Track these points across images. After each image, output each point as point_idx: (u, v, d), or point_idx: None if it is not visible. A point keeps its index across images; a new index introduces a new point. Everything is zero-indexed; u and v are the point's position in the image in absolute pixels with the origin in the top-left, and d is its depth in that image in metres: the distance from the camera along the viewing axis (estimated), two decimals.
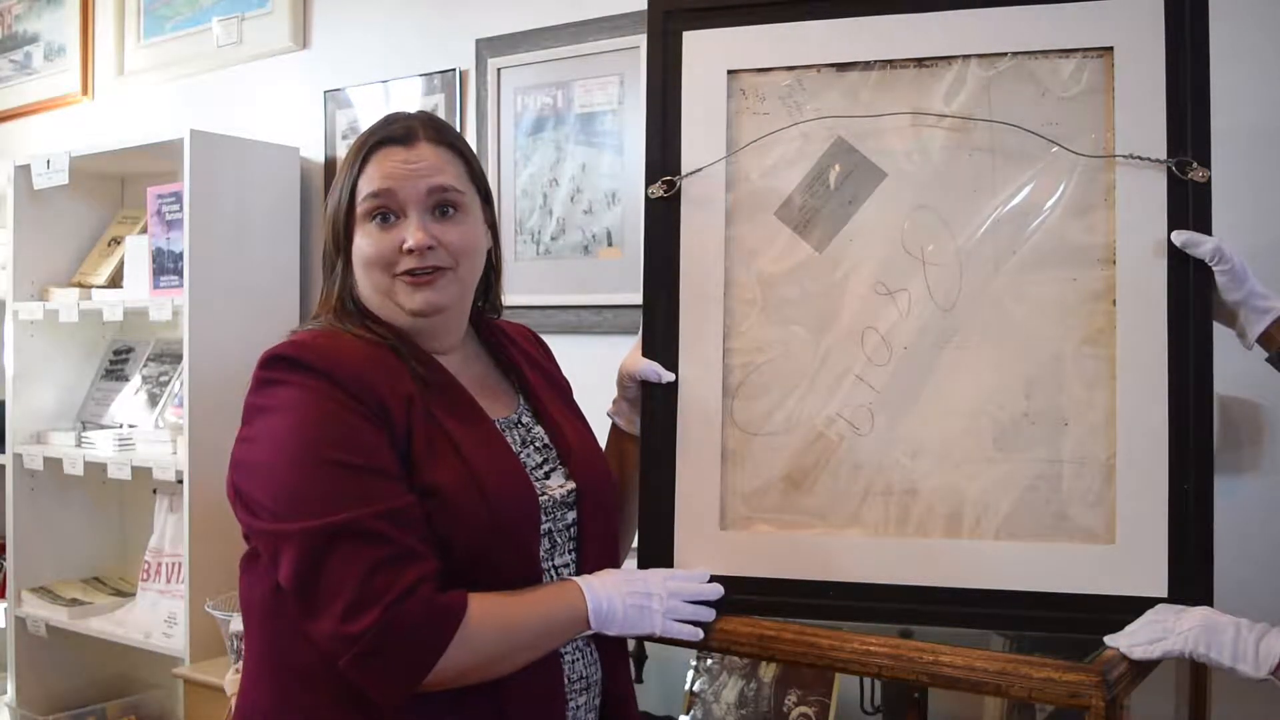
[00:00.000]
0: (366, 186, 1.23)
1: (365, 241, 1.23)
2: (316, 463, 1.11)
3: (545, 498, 1.24)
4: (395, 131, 1.25)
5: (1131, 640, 1.17)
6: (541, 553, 1.23)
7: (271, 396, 1.16)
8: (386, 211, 1.22)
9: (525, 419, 1.32)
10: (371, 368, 1.17)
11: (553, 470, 1.29)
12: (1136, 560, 1.23)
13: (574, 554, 1.27)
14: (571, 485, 1.28)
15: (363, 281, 1.25)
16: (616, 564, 1.34)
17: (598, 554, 1.29)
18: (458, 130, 1.86)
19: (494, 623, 1.13)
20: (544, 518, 1.23)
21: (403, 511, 1.11)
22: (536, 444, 1.31)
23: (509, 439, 1.27)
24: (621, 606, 1.22)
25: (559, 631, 1.20)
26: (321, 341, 1.19)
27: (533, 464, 1.28)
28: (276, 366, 1.17)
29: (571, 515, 1.27)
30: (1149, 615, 1.18)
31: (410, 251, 1.21)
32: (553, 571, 1.24)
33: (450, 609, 1.10)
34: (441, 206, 1.24)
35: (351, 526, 1.08)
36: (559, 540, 1.25)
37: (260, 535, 1.15)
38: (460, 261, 1.25)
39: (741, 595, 1.33)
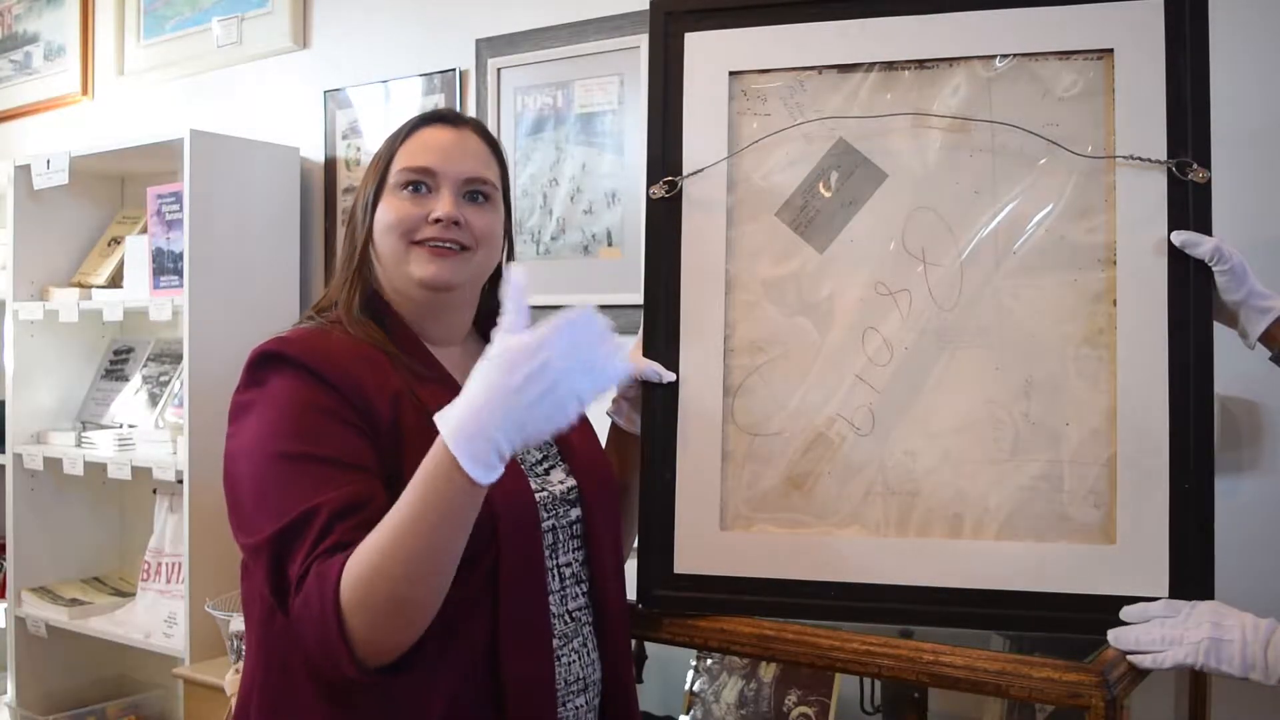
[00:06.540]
0: (406, 158, 1.26)
1: (391, 209, 1.25)
2: (279, 463, 1.11)
3: (545, 494, 1.24)
4: (445, 113, 1.31)
5: (1139, 642, 1.17)
6: (544, 549, 1.22)
7: (254, 394, 1.17)
8: (419, 183, 1.25)
9: None
10: (357, 363, 1.18)
11: (552, 466, 1.29)
12: (1136, 560, 1.24)
13: (579, 551, 1.26)
14: (572, 482, 1.28)
15: (380, 249, 1.26)
16: (622, 561, 1.34)
17: (603, 550, 1.28)
18: None
19: (369, 560, 1.02)
20: (545, 514, 1.23)
21: (352, 503, 1.08)
22: None
23: None
24: (506, 418, 1.00)
25: (440, 512, 1.01)
26: (307, 337, 1.20)
27: (532, 460, 1.28)
28: (261, 365, 1.18)
29: (575, 512, 1.27)
30: (1156, 608, 1.18)
31: (437, 222, 1.23)
32: (556, 570, 1.23)
33: (324, 575, 1.03)
34: (473, 193, 1.27)
35: (297, 525, 1.07)
36: (561, 537, 1.25)
37: (243, 550, 1.16)
38: (480, 246, 1.26)
39: (741, 595, 1.33)
